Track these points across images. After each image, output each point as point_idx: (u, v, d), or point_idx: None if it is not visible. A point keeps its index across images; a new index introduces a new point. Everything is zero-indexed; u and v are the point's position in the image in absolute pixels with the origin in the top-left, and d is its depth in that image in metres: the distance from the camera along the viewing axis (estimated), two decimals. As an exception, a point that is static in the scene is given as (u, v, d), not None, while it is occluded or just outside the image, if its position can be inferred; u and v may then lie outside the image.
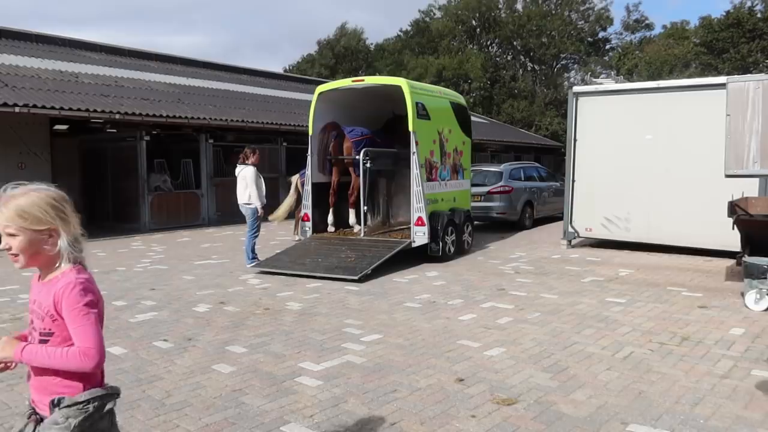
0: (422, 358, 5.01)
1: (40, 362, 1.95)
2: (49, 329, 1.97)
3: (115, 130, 15.71)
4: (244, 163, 9.35)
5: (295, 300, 7.21)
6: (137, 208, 14.98)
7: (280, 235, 12.71)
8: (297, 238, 12.28)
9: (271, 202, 16.71)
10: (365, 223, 10.32)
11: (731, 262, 8.60)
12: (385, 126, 11.25)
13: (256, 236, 9.40)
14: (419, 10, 52.82)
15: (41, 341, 1.98)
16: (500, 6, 46.78)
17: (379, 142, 10.54)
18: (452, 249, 10.16)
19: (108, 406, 2.04)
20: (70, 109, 12.75)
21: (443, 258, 9.83)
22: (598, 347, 5.27)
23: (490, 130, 31.57)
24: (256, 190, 9.15)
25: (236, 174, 9.41)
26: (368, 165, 9.91)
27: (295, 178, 12.28)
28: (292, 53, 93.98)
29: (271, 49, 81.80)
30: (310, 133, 10.31)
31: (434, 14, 49.54)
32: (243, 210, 9.36)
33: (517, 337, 5.57)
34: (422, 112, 9.65)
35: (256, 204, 9.18)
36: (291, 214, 12.20)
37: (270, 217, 11.00)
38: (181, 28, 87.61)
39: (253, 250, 9.39)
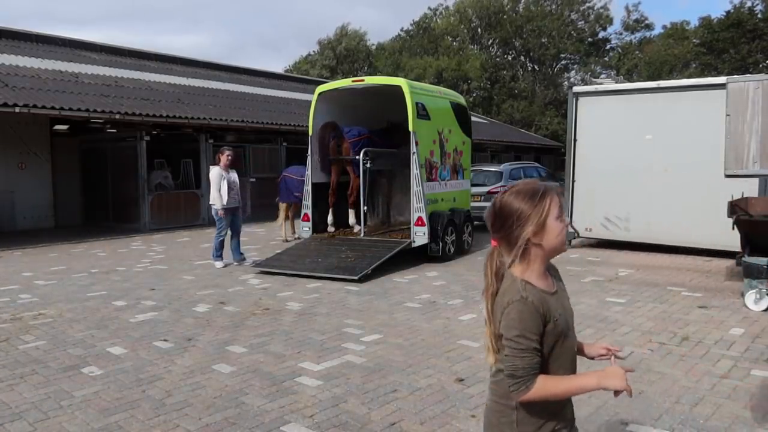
0: (422, 358, 5.01)
1: None
2: None
3: (115, 130, 15.71)
4: (215, 163, 9.64)
5: (295, 300, 7.21)
6: (137, 208, 14.97)
7: (280, 235, 12.70)
8: (282, 238, 12.28)
9: (271, 201, 16.61)
10: (365, 223, 10.31)
11: (731, 262, 8.62)
12: (385, 126, 11.26)
13: (223, 235, 9.61)
14: (429, 8, 52.72)
15: None
16: (506, 6, 46.72)
17: (377, 142, 10.53)
18: (452, 249, 10.15)
19: None
20: (70, 109, 12.74)
21: (443, 258, 9.83)
22: (598, 347, 5.26)
23: (490, 130, 31.56)
24: (216, 191, 9.34)
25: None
26: (368, 165, 9.91)
27: None
28: (296, 52, 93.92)
29: (276, 48, 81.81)
30: (310, 133, 10.31)
31: (442, 12, 49.45)
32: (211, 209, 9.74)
33: (517, 337, 5.56)
34: (422, 112, 9.65)
35: (216, 205, 9.40)
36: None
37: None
38: (184, 28, 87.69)
39: (218, 248, 9.65)
